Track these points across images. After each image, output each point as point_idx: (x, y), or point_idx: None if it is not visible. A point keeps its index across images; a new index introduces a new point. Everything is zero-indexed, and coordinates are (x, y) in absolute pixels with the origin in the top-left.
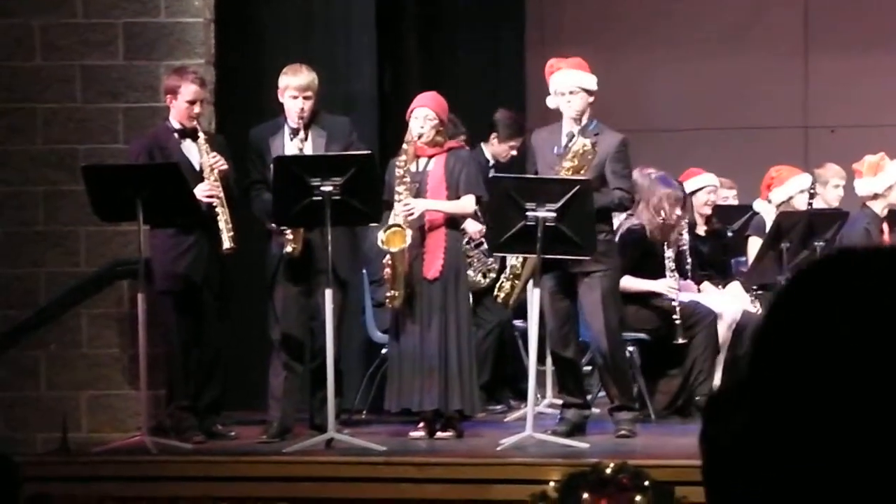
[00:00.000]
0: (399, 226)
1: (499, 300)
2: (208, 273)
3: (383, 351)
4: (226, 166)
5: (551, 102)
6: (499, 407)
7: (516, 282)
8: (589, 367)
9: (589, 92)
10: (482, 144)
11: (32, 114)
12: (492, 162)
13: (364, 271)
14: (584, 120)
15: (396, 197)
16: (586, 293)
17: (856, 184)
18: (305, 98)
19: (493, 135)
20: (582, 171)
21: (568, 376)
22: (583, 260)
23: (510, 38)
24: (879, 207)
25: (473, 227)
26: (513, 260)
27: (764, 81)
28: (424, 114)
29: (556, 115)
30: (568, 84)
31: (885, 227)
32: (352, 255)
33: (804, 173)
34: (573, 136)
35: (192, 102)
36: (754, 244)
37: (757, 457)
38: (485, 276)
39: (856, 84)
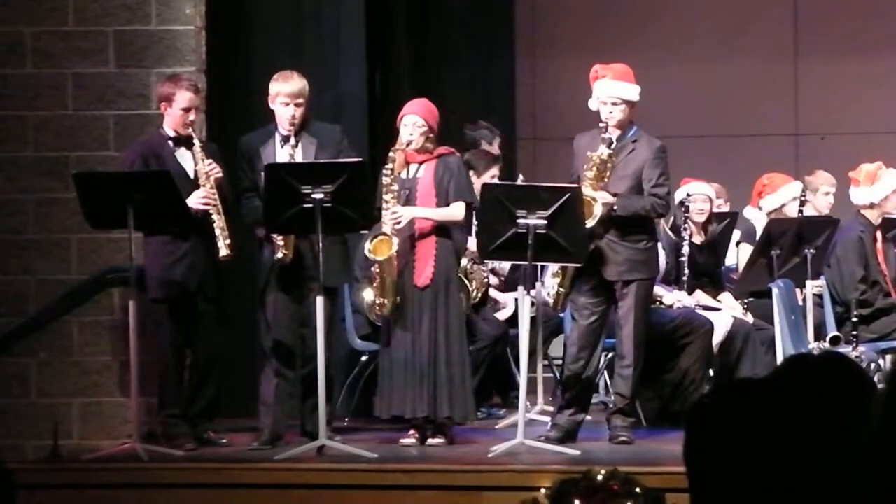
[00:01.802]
0: (386, 234)
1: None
2: (203, 280)
3: (363, 358)
4: (221, 174)
5: (593, 105)
6: (493, 410)
7: (561, 289)
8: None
9: (631, 103)
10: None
11: (23, 121)
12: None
13: None
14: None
15: (384, 205)
16: (622, 300)
17: (851, 192)
18: (296, 105)
19: (471, 173)
20: (605, 179)
21: (577, 387)
22: (621, 268)
23: (500, 43)
24: (874, 216)
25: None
26: (555, 267)
27: (754, 89)
28: (413, 121)
29: (544, 125)
30: (611, 95)
31: (879, 235)
32: (341, 262)
33: (796, 181)
34: (612, 142)
35: (186, 109)
36: (745, 251)
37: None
38: (478, 293)
39: (846, 91)
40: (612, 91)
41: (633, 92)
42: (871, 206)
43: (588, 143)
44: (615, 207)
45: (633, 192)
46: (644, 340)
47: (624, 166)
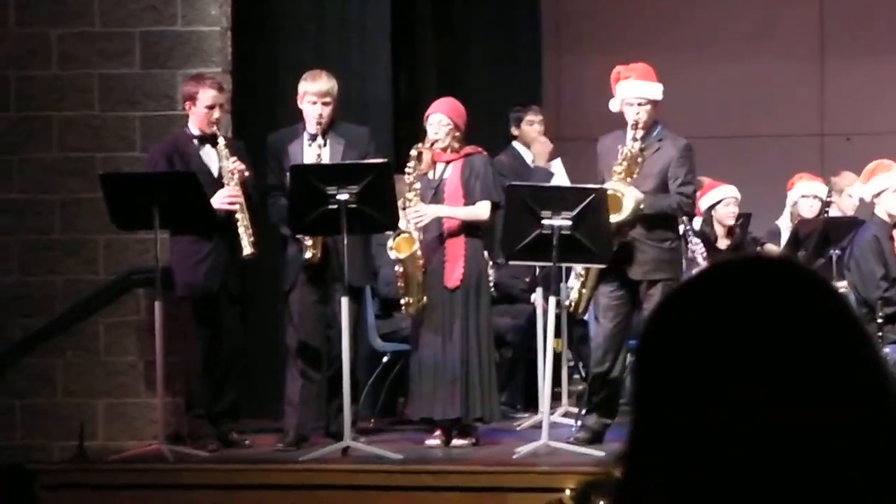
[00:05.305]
0: (408, 232)
1: (569, 309)
2: (226, 279)
3: (385, 359)
4: (246, 171)
5: (614, 107)
6: (525, 414)
7: (583, 290)
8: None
9: (655, 102)
10: (514, 144)
11: (50, 122)
12: (532, 157)
13: None
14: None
15: (406, 203)
16: (647, 301)
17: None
18: (324, 104)
19: (521, 126)
20: (634, 175)
21: (604, 389)
22: (646, 268)
23: (526, 42)
24: (884, 213)
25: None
26: (579, 269)
27: (779, 90)
28: (439, 119)
29: (568, 124)
30: (637, 95)
31: (895, 233)
32: (364, 262)
33: (816, 180)
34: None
35: (210, 107)
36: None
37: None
38: None
39: (872, 92)
40: (638, 91)
41: (657, 91)
42: (874, 203)
43: (611, 145)
44: (642, 205)
45: (659, 191)
46: None
47: (650, 165)
